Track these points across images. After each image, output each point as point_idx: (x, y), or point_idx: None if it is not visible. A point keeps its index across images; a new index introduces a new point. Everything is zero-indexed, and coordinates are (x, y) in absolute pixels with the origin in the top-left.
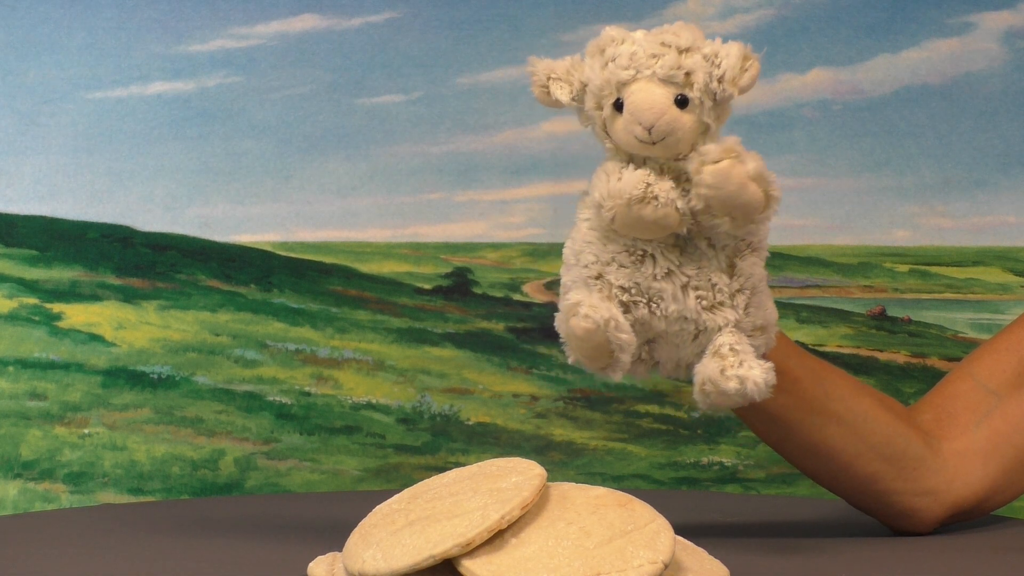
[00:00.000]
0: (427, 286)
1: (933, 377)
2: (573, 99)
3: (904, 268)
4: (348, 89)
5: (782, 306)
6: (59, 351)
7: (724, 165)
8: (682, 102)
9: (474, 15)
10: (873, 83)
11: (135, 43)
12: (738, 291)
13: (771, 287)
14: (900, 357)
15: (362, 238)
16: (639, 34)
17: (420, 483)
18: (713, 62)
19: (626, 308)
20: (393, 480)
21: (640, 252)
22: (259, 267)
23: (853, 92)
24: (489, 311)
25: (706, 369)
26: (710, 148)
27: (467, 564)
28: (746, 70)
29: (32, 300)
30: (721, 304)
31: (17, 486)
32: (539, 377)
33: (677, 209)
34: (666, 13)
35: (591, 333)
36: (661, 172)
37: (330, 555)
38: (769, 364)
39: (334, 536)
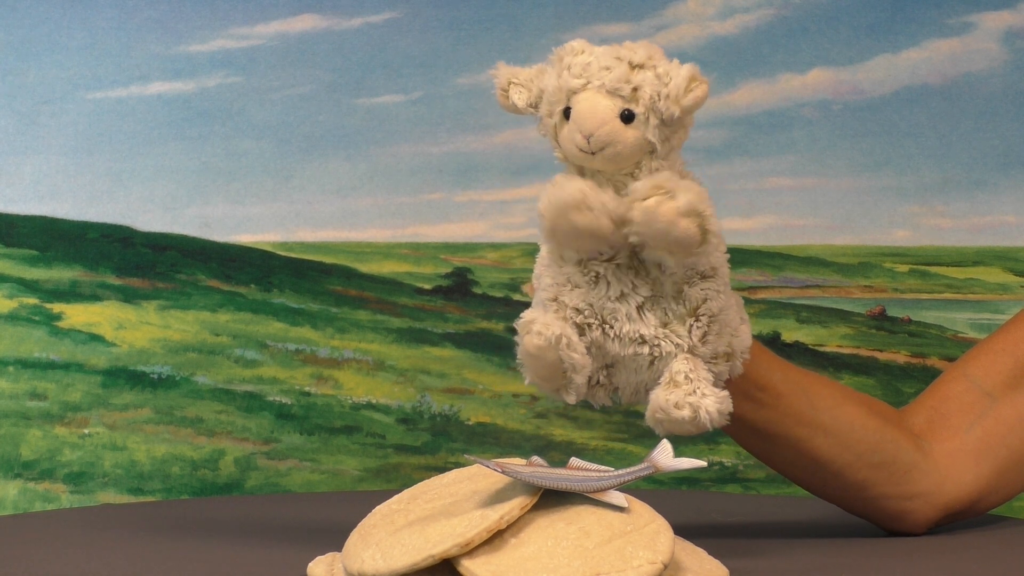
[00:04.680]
0: (427, 286)
1: (933, 377)
2: (530, 105)
3: (904, 268)
4: (348, 89)
5: (782, 306)
6: (59, 351)
7: (651, 203)
8: (627, 117)
9: (474, 15)
10: (873, 83)
11: (135, 43)
12: (690, 318)
13: (771, 287)
14: (900, 357)
15: (362, 238)
16: (600, 48)
17: (420, 483)
18: (663, 80)
19: (581, 330)
20: (393, 480)
21: (594, 273)
22: (259, 267)
23: (853, 92)
24: (489, 311)
25: (658, 397)
26: (638, 185)
27: (467, 564)
28: (691, 90)
29: (32, 300)
30: (674, 330)
31: (17, 486)
32: None
33: (611, 220)
34: (666, 13)
35: (543, 350)
36: (603, 184)
37: (330, 555)
38: (724, 393)
39: (334, 536)
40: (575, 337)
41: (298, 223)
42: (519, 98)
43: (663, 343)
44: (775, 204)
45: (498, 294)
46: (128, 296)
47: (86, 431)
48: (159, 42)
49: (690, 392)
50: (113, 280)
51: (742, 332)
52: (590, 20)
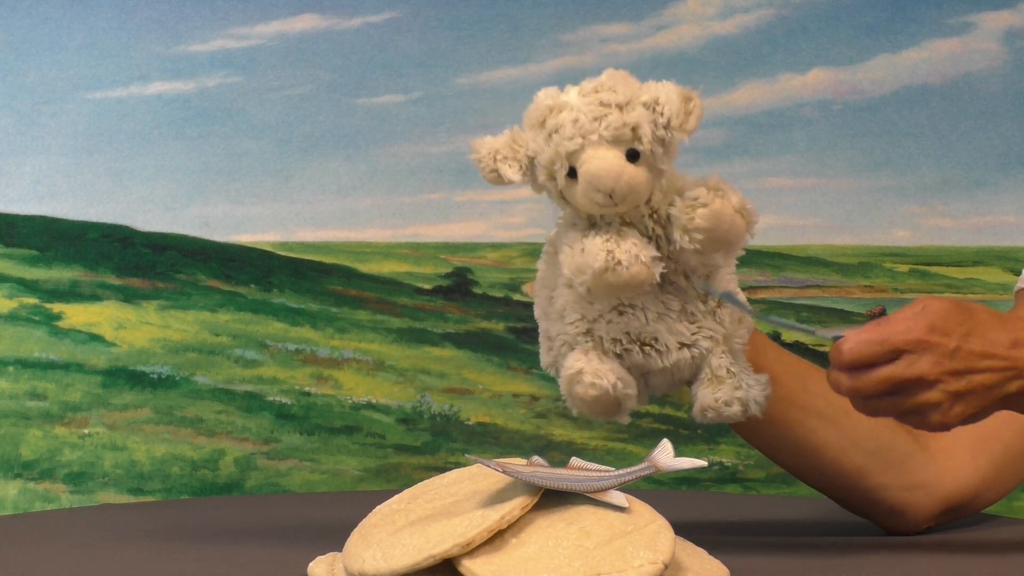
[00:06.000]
0: (427, 286)
1: None
2: (524, 175)
3: (904, 268)
4: (348, 89)
5: (782, 306)
6: (59, 351)
7: (716, 207)
8: (633, 155)
9: (474, 15)
10: (873, 83)
11: (135, 43)
12: (717, 308)
13: (771, 287)
14: None
15: (362, 238)
16: (574, 96)
17: (420, 483)
18: (655, 109)
19: (619, 356)
20: (393, 480)
21: (626, 304)
22: (259, 267)
23: (853, 92)
24: (489, 311)
25: (706, 396)
26: (699, 192)
27: (467, 564)
28: (690, 112)
29: (32, 300)
30: (707, 326)
31: (17, 486)
32: (539, 377)
33: (645, 263)
34: (666, 13)
35: (600, 399)
36: (621, 231)
37: (330, 555)
38: (765, 376)
39: (334, 536)
40: (625, 374)
41: (298, 223)
42: (512, 173)
43: (701, 342)
44: (775, 204)
45: (498, 294)
46: (128, 296)
47: (86, 431)
48: (159, 42)
49: (736, 387)
50: (113, 280)
51: (740, 294)
52: (590, 20)
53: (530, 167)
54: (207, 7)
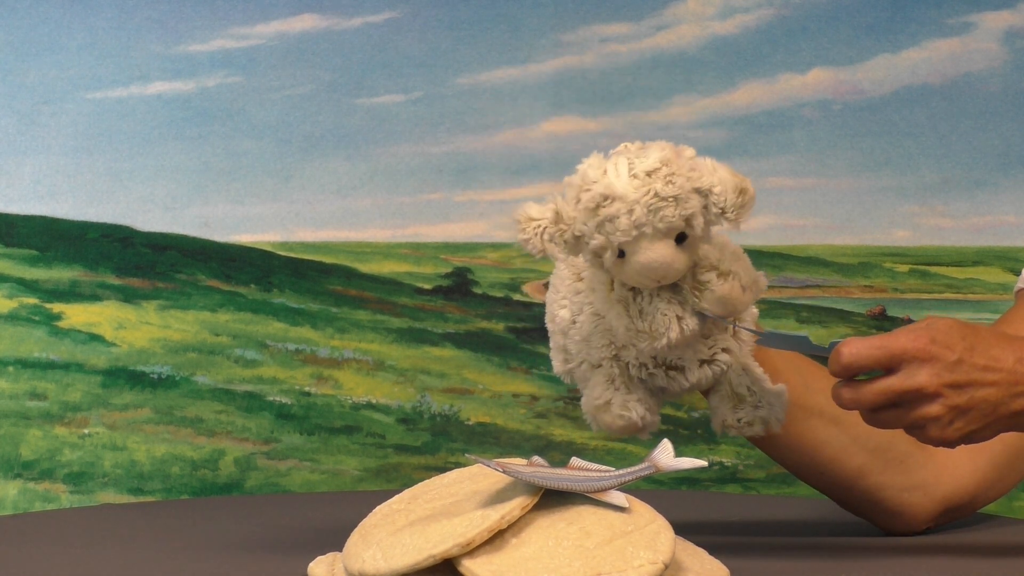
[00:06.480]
0: (427, 286)
1: None
2: (569, 252)
3: (904, 268)
4: (348, 89)
5: (782, 306)
6: (59, 351)
7: (724, 292)
8: (682, 238)
9: (474, 15)
10: (873, 83)
11: (135, 43)
12: (731, 323)
13: (771, 287)
14: None
15: (362, 238)
16: (626, 182)
17: (420, 483)
18: (708, 197)
19: (643, 380)
20: (393, 480)
21: None
22: (259, 267)
23: (853, 92)
24: (489, 311)
25: (727, 416)
26: (710, 277)
27: (467, 564)
28: (743, 205)
29: (32, 300)
30: (723, 339)
31: (17, 486)
32: (539, 377)
33: (699, 320)
34: (666, 13)
35: (626, 428)
36: (670, 287)
37: (330, 555)
38: (782, 387)
39: (334, 536)
40: (651, 400)
41: (298, 223)
42: (560, 252)
43: (720, 357)
44: (775, 204)
45: (498, 294)
46: (128, 296)
47: (86, 431)
48: (159, 42)
49: (756, 405)
50: (113, 280)
51: (752, 269)
52: (590, 20)
53: (575, 243)
54: (207, 7)
